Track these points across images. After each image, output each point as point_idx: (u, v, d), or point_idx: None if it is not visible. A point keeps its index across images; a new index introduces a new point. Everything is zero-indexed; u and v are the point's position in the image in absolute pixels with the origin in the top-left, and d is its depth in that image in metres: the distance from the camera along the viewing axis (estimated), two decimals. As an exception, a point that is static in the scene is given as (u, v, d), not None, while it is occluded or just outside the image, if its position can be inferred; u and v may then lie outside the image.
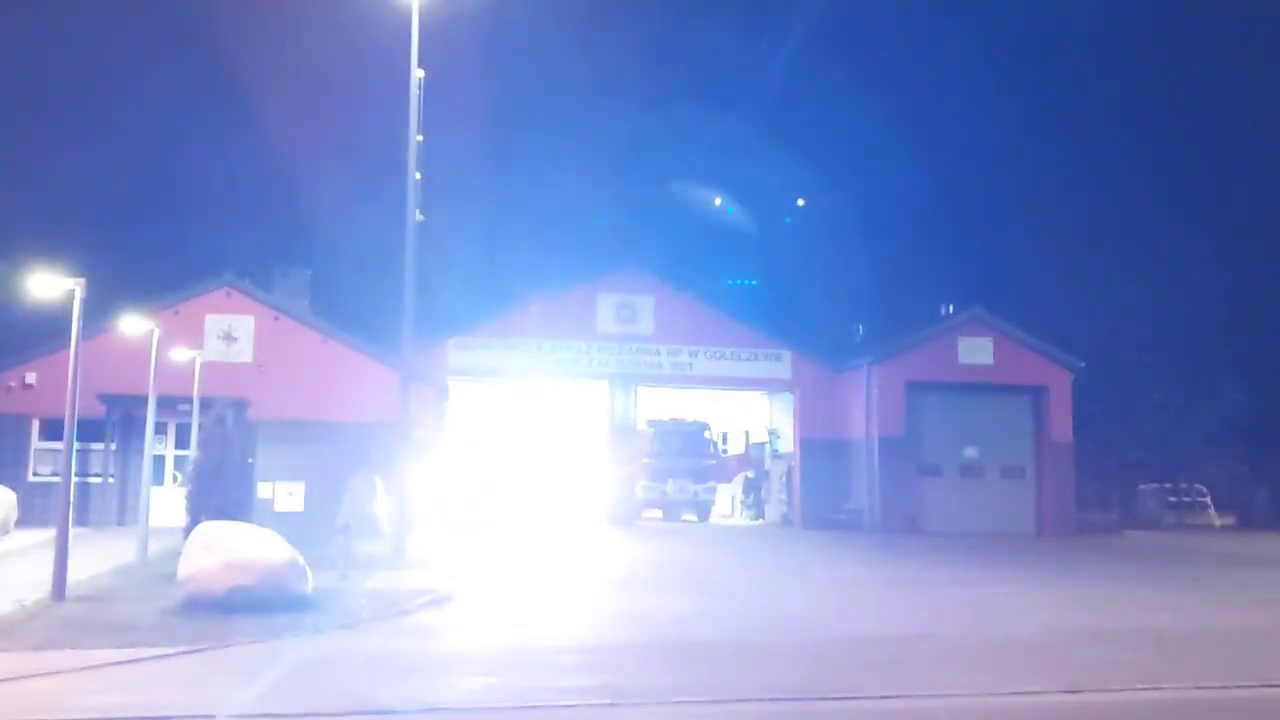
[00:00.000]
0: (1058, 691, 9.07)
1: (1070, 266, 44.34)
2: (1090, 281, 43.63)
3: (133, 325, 19.39)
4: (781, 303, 45.38)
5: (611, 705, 8.44)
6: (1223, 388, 39.37)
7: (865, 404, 32.61)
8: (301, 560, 12.75)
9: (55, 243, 28.94)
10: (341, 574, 15.40)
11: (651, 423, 34.79)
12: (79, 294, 13.42)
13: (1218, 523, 38.17)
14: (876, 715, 8.37)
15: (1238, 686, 9.47)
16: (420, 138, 20.89)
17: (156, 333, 18.68)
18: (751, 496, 37.61)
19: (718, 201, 54.69)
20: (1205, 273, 41.10)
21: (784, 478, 34.70)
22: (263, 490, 27.08)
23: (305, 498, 27.30)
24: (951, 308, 35.05)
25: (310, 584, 12.87)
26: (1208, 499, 39.65)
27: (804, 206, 56.29)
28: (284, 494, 27.34)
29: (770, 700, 8.68)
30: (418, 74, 20.76)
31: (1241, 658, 10.70)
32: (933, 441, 32.63)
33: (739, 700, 8.67)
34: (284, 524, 19.31)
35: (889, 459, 31.91)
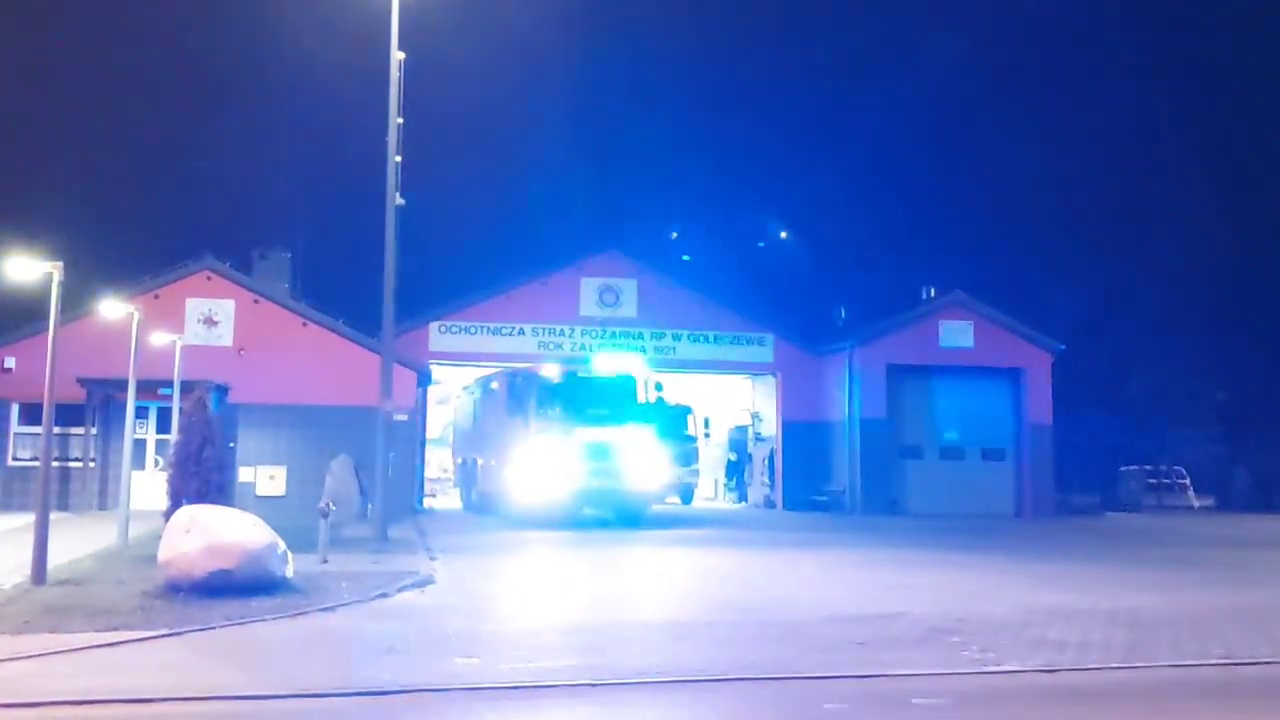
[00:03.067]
0: (1034, 670, 9.17)
1: (1051, 250, 44.58)
2: (1071, 265, 43.86)
3: (112, 309, 19.31)
4: (764, 287, 45.45)
5: (592, 686, 8.49)
6: (1202, 371, 39.65)
7: (847, 387, 32.75)
8: (282, 544, 12.76)
9: (34, 226, 28.79)
10: (322, 557, 15.41)
11: None
12: (57, 277, 13.35)
13: (1197, 504, 38.49)
14: (853, 695, 8.44)
15: (1209, 664, 9.59)
16: (401, 120, 20.83)
17: (136, 316, 18.60)
18: (734, 479, 37.73)
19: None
20: (1185, 257, 41.34)
21: (766, 460, 34.82)
22: (244, 474, 27.11)
23: (286, 481, 27.32)
24: (933, 291, 35.18)
25: (291, 567, 12.89)
26: (1187, 481, 39.96)
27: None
28: (265, 478, 27.34)
29: (748, 679, 8.74)
30: (398, 56, 20.69)
31: (1213, 636, 10.81)
32: (913, 424, 32.83)
33: (718, 679, 8.73)
34: (265, 508, 19.36)
35: (870, 441, 32.07)
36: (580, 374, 26.27)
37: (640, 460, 25.16)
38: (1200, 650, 10.08)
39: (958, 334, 32.94)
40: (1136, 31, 62.93)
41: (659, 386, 27.79)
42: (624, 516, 25.63)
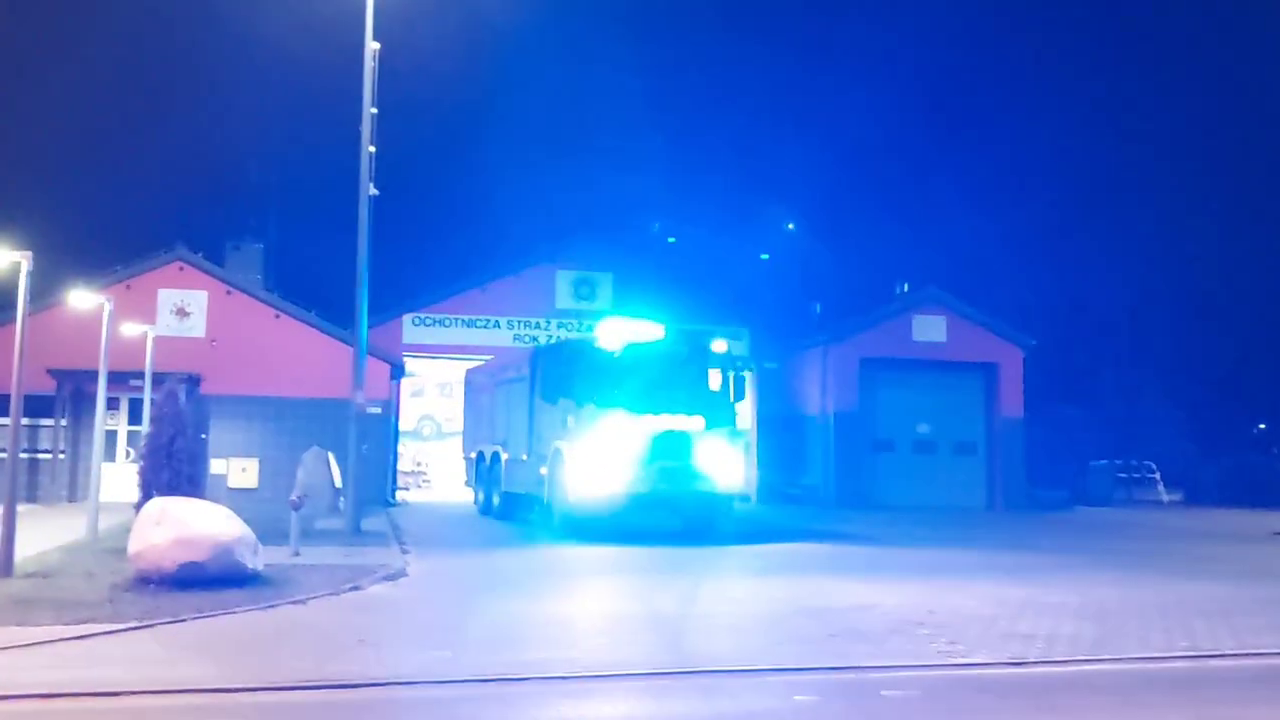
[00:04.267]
0: (1002, 663, 9.23)
1: (1024, 246, 44.83)
2: (1043, 261, 44.15)
3: (83, 299, 19.15)
4: (741, 281, 45.54)
5: (564, 679, 8.50)
6: (1172, 366, 40.02)
7: (821, 381, 32.88)
8: (254, 536, 12.71)
9: (3, 214, 28.50)
10: (294, 549, 15.35)
11: None
12: (25, 267, 13.23)
13: (1166, 499, 38.83)
14: (822, 687, 8.48)
15: (1176, 657, 9.68)
16: (374, 111, 20.73)
17: (108, 307, 18.45)
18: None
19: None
20: (1157, 254, 41.66)
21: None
22: (216, 466, 26.97)
23: (259, 474, 27.19)
24: (906, 286, 35.36)
25: (262, 560, 12.84)
26: (1157, 475, 40.32)
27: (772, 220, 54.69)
28: (237, 470, 27.21)
29: (720, 672, 8.77)
30: (372, 46, 20.59)
31: (1180, 629, 10.92)
32: (887, 418, 33.00)
33: (690, 672, 8.76)
34: (237, 500, 19.27)
35: (844, 435, 32.21)
36: (644, 345, 20.91)
37: (719, 455, 20.20)
38: (1167, 643, 10.18)
39: (931, 329, 33.13)
40: (1109, 31, 63.34)
41: (749, 366, 23.20)
42: (697, 526, 20.69)
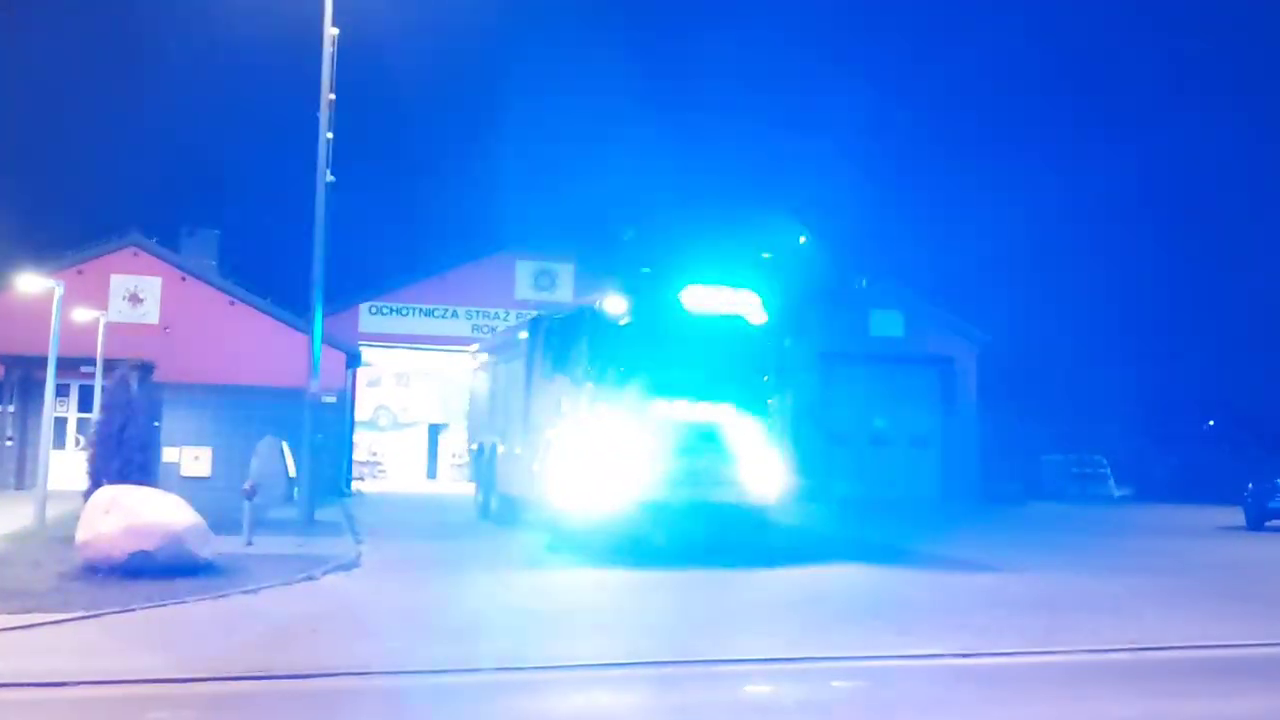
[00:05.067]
0: (952, 655, 9.32)
1: (980, 243, 45.24)
2: (999, 258, 44.57)
3: (33, 283, 18.86)
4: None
5: (516, 670, 8.49)
6: (1123, 363, 40.61)
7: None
8: (205, 525, 12.58)
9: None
10: (247, 539, 15.22)
11: None
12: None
13: (1117, 493, 39.37)
14: (773, 676, 8.52)
15: (1120, 649, 9.82)
16: (333, 97, 20.57)
17: (58, 292, 18.18)
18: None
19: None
20: (1110, 253, 42.19)
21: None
22: (169, 454, 26.67)
23: (212, 462, 26.94)
24: (865, 281, 35.61)
25: (215, 549, 12.72)
26: (1108, 470, 40.87)
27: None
28: (190, 458, 26.94)
29: (671, 664, 8.79)
30: (331, 32, 20.42)
31: (1125, 622, 11.08)
32: (843, 411, 33.20)
33: (642, 664, 8.76)
34: (189, 489, 19.07)
35: (800, 428, 32.35)
36: (664, 313, 16.50)
37: (757, 456, 16.09)
38: (1115, 636, 10.32)
39: (888, 323, 33.40)
40: (1066, 29, 63.96)
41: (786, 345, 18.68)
42: (725, 544, 15.71)
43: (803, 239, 46.39)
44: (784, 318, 19.29)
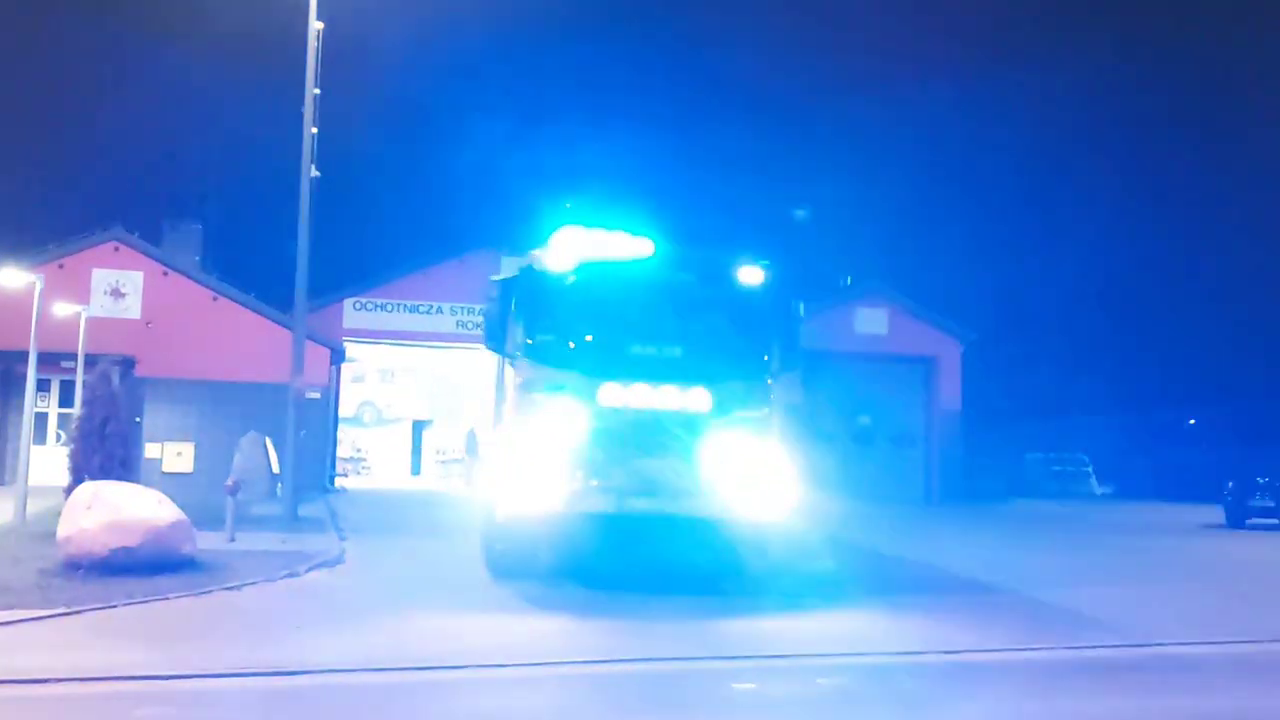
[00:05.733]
0: (937, 651, 9.36)
1: (965, 241, 45.37)
2: (983, 257, 44.72)
3: (13, 278, 18.74)
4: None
5: (500, 666, 8.48)
6: (1106, 362, 40.82)
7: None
8: (188, 521, 12.52)
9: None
10: (230, 535, 15.16)
11: None
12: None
13: (1099, 491, 39.57)
14: (754, 673, 8.54)
15: (1108, 647, 9.88)
16: (318, 91, 20.49)
17: (39, 286, 18.05)
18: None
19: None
20: (1093, 253, 42.39)
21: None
22: (151, 450, 26.53)
23: (194, 458, 26.82)
24: (849, 279, 35.66)
25: (197, 545, 12.66)
26: (1090, 469, 41.08)
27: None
28: (172, 454, 26.82)
29: (653, 660, 8.79)
30: (316, 25, 20.34)
31: (1112, 619, 11.13)
32: (827, 409, 33.23)
33: (619, 661, 8.76)
34: (172, 485, 18.97)
35: (784, 426, 32.40)
36: (623, 266, 12.58)
37: (749, 458, 12.15)
38: (1097, 635, 10.38)
39: (872, 321, 33.46)
40: (1052, 28, 64.21)
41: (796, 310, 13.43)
42: (702, 572, 12.60)
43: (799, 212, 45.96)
44: (793, 280, 14.18)
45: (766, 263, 12.93)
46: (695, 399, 12.09)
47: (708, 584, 12.36)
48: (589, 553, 12.54)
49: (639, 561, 12.63)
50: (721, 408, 12.15)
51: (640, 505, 11.77)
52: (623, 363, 12.13)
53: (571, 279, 12.40)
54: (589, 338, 12.48)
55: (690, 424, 12.01)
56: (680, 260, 12.83)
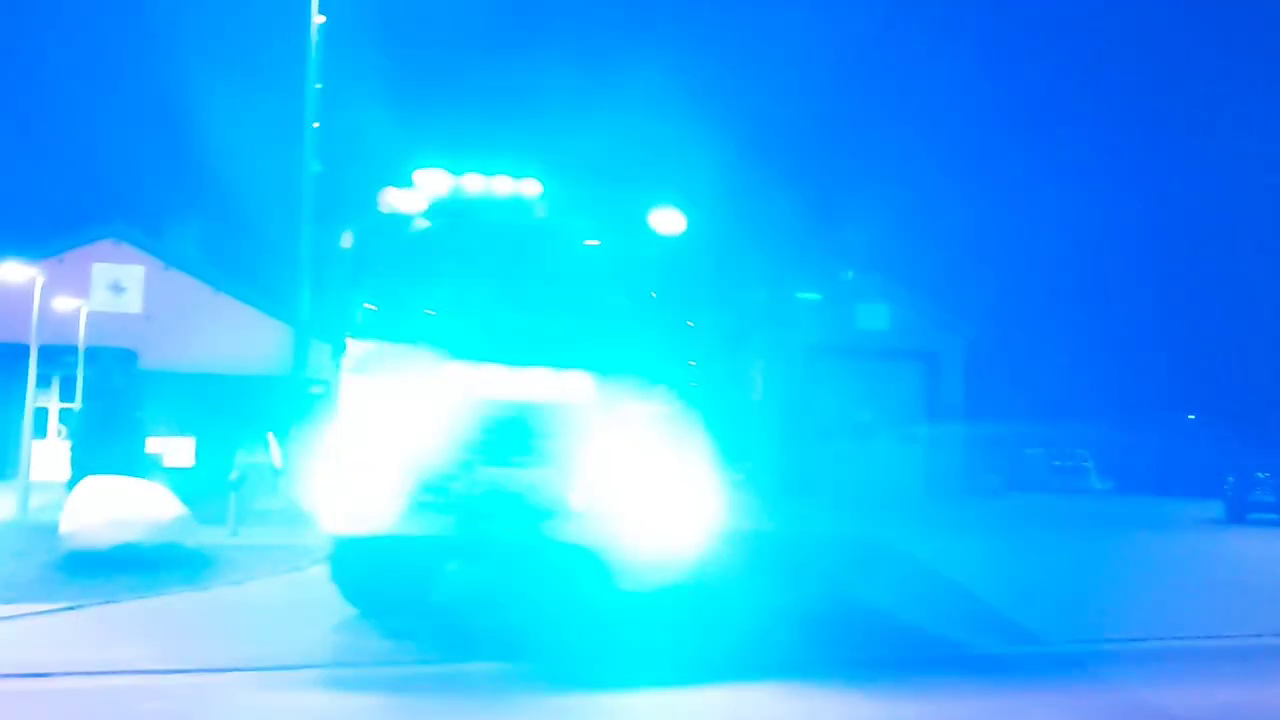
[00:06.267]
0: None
1: (965, 236, 45.34)
2: (983, 251, 44.71)
3: (13, 272, 18.73)
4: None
5: (504, 662, 8.47)
6: (1106, 357, 40.81)
7: (763, 367, 33.07)
8: (190, 515, 12.52)
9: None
10: (231, 530, 15.17)
11: None
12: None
13: (1099, 486, 39.56)
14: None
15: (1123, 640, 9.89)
16: (319, 85, 20.47)
17: (40, 281, 18.05)
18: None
19: None
20: (1094, 247, 42.36)
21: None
22: (152, 444, 26.46)
23: (196, 452, 26.80)
24: (851, 273, 35.58)
25: (200, 540, 12.66)
26: (1090, 464, 41.06)
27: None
28: (174, 448, 26.78)
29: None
30: (317, 19, 20.32)
31: (1113, 612, 11.15)
32: (828, 405, 33.20)
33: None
34: (174, 479, 18.93)
35: (784, 421, 32.41)
36: (488, 211, 9.68)
37: (644, 468, 9.15)
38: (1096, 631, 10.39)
39: (874, 317, 33.40)
40: (1061, 14, 64.13)
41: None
42: (568, 618, 9.93)
43: None
44: (724, 234, 12.08)
45: (688, 209, 9.64)
46: (578, 386, 9.07)
47: (576, 640, 9.20)
48: (427, 587, 10.34)
49: (488, 603, 10.45)
50: (615, 399, 9.06)
51: (492, 527, 8.87)
52: (478, 338, 9.21)
53: (419, 226, 9.44)
54: (431, 309, 9.47)
55: (569, 420, 9.01)
56: (569, 204, 9.71)
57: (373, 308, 9.35)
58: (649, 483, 8.99)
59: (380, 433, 9.03)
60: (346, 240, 9.65)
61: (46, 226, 30.45)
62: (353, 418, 9.21)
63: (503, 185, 9.51)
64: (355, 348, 9.37)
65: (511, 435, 9.00)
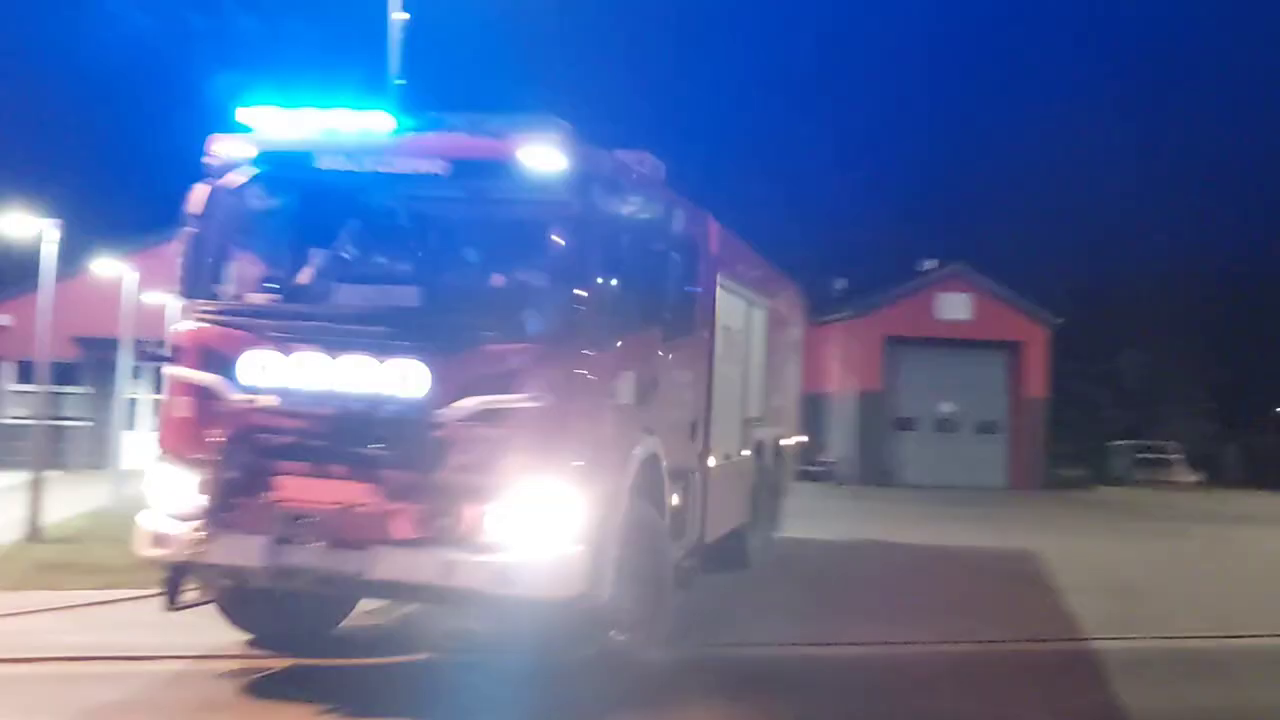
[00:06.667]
0: (1023, 640, 9.23)
1: (1051, 223, 44.54)
2: (1069, 239, 43.88)
3: (107, 267, 19.20)
4: (764, 253, 45.25)
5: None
6: (1195, 346, 39.77)
7: (844, 358, 32.79)
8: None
9: (33, 180, 28.57)
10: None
11: None
12: (53, 235, 13.27)
13: (1187, 479, 38.59)
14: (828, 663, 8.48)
15: (1202, 636, 9.67)
16: (402, 82, 20.65)
17: (131, 275, 18.50)
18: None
19: None
20: (1183, 235, 41.36)
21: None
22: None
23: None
24: (931, 263, 35.09)
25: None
26: (1178, 456, 40.11)
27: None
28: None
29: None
30: (399, 17, 20.49)
31: (1206, 608, 10.90)
32: (909, 396, 32.84)
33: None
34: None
35: (866, 412, 32.11)
36: (324, 152, 7.25)
37: (499, 485, 6.59)
38: (1199, 623, 10.15)
39: (955, 306, 32.90)
40: (1135, 15, 62.65)
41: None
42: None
43: None
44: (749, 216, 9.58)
45: (576, 141, 7.06)
46: (413, 379, 6.73)
47: None
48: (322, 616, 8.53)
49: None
50: (464, 393, 6.64)
51: (299, 561, 6.73)
52: (299, 319, 7.20)
53: (241, 177, 7.41)
54: (237, 277, 7.78)
55: (404, 423, 6.74)
56: (426, 141, 7.33)
57: (189, 285, 7.39)
58: (511, 503, 6.58)
59: (188, 437, 7.15)
60: (187, 204, 7.48)
61: (139, 219, 31.19)
62: (167, 417, 7.49)
63: (345, 121, 7.33)
64: (175, 335, 7.49)
65: (337, 439, 6.81)
